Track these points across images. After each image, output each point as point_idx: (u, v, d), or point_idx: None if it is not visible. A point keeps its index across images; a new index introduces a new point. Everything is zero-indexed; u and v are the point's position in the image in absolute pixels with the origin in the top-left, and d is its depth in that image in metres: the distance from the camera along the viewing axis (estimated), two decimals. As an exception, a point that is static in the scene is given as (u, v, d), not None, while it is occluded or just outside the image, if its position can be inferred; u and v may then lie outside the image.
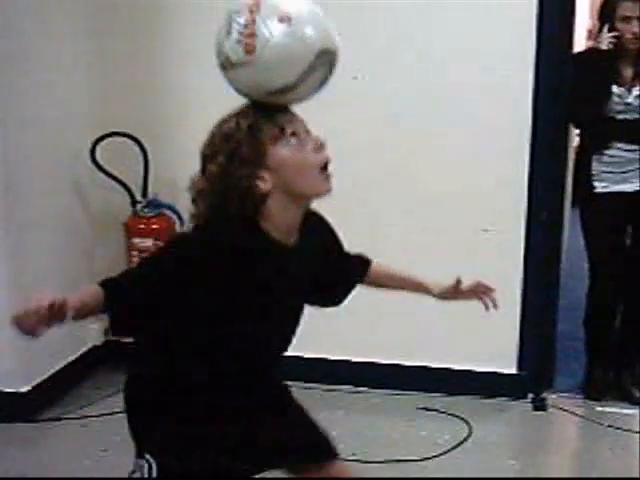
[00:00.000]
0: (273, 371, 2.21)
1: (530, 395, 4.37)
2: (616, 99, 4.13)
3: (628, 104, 4.12)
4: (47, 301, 1.74)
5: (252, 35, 1.90)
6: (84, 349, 4.54)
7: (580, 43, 5.33)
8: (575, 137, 4.99)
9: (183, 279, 1.93)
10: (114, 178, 4.39)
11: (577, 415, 4.28)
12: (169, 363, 2.05)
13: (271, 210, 1.97)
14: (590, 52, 4.36)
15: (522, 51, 4.10)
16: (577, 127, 4.54)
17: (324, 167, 2.00)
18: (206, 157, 2.00)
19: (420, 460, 3.72)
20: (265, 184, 1.94)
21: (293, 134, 1.96)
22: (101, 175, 4.38)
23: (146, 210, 4.41)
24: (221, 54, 1.98)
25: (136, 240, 4.40)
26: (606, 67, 4.15)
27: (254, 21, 1.90)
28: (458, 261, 4.17)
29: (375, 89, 4.19)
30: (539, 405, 4.32)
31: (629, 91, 4.13)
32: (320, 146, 1.98)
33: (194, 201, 2.01)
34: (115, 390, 4.34)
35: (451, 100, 4.18)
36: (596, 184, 4.23)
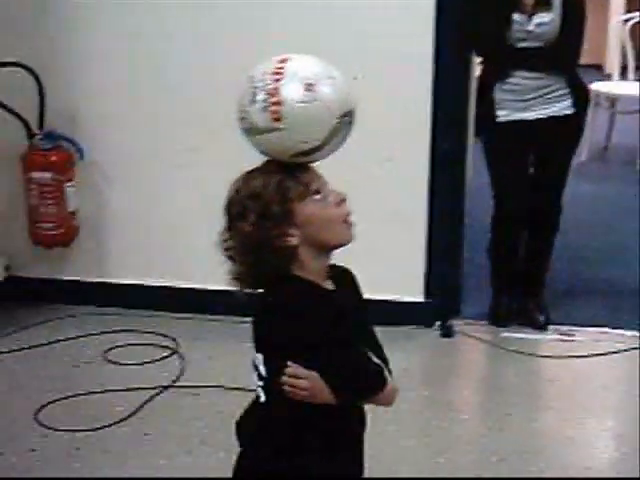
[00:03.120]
0: None
1: (437, 323, 4.40)
2: (517, 27, 4.12)
3: (529, 32, 4.12)
4: None
5: (278, 103, 1.94)
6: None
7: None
8: (478, 66, 4.99)
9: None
10: (9, 110, 4.24)
11: (483, 341, 4.33)
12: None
13: (302, 260, 2.03)
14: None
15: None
16: (478, 55, 4.53)
17: (346, 219, 2.08)
18: (235, 215, 2.02)
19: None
20: (294, 239, 2.00)
21: (317, 191, 2.03)
22: (-5, 108, 4.24)
23: (43, 142, 4.29)
24: (246, 120, 2.00)
25: (34, 174, 4.29)
26: (507, -5, 4.14)
27: (277, 89, 1.94)
28: (364, 192, 4.13)
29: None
30: (446, 332, 4.36)
31: (530, 19, 4.12)
32: (342, 200, 2.05)
33: (231, 259, 2.06)
34: (19, 327, 4.30)
35: (353, 28, 4.15)
36: (498, 112, 4.23)
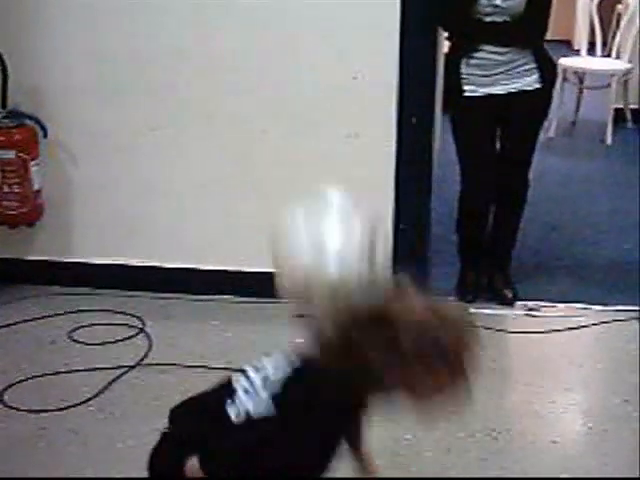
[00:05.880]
0: None
1: (404, 299, 4.39)
2: (484, 1, 4.09)
3: (496, 6, 4.10)
4: None
5: None
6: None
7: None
8: (445, 42, 4.97)
9: None
10: (-30, 88, 4.21)
11: (451, 317, 4.32)
12: None
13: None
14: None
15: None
16: (445, 30, 4.51)
17: None
18: (360, 327, 2.00)
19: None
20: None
21: None
22: (-44, 85, 4.19)
23: (6, 121, 4.25)
24: None
25: (-3, 152, 4.25)
26: (474, -32, 4.12)
27: None
28: (331, 167, 4.15)
29: None
30: (413, 308, 4.34)
31: (497, -7, 4.11)
32: None
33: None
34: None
35: (316, 4, 4.11)
36: (465, 87, 4.22)
